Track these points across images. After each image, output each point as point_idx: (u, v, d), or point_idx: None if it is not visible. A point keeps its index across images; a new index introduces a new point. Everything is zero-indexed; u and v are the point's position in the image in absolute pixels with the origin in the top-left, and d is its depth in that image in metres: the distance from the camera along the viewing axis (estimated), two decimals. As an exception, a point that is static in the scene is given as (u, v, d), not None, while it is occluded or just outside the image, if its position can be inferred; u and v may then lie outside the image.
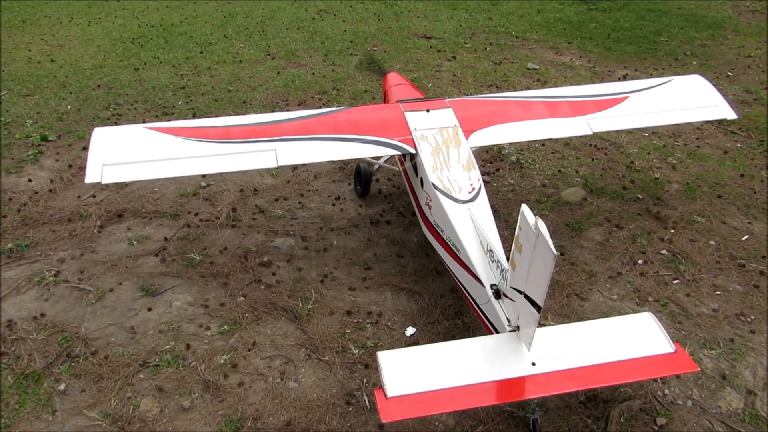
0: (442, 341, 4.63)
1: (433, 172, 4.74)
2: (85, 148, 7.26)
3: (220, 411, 4.14)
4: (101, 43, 11.13)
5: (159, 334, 4.76)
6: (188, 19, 12.44)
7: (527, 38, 11.46)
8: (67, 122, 8.13)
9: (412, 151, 4.99)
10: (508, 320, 3.76)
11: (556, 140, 7.52)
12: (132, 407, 4.15)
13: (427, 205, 4.85)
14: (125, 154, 4.71)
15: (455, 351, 3.70)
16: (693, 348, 4.61)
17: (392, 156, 5.87)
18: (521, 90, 8.16)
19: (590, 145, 7.50)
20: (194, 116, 8.25)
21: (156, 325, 4.84)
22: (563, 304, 5.01)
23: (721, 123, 7.99)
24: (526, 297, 3.44)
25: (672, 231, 5.92)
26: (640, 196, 6.49)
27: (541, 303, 3.31)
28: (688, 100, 5.75)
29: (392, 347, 4.59)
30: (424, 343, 4.46)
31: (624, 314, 4.81)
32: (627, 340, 3.77)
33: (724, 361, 4.52)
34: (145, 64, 10.20)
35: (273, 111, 8.11)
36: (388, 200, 6.42)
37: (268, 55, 10.62)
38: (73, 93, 9.00)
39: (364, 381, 4.35)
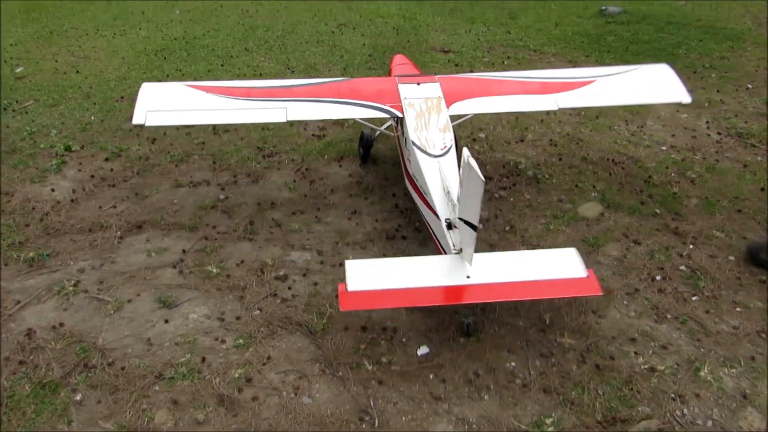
0: (456, 357, 4.64)
1: (414, 132, 5.55)
2: (108, 159, 7.52)
3: (233, 425, 4.16)
4: (125, 54, 11.32)
5: (175, 346, 4.80)
6: (210, 32, 12.61)
7: (545, 51, 11.43)
8: (91, 133, 8.27)
9: (400, 115, 5.83)
10: (454, 245, 4.57)
11: (574, 155, 7.48)
12: (147, 419, 4.19)
13: (408, 159, 5.75)
14: (167, 104, 5.83)
15: (410, 264, 4.63)
16: (713, 366, 4.55)
17: (391, 125, 6.74)
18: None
19: (607, 159, 7.45)
20: (214, 130, 8.34)
21: (172, 338, 4.89)
22: (580, 321, 4.97)
23: (740, 136, 7.91)
24: (465, 222, 4.22)
25: (691, 246, 5.85)
26: (658, 210, 6.43)
27: (476, 223, 4.11)
28: (649, 84, 6.28)
29: (406, 363, 4.60)
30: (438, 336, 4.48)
31: (641, 331, 4.85)
32: (549, 265, 4.55)
33: (744, 379, 4.45)
34: (168, 76, 10.34)
35: (292, 125, 8.17)
36: (404, 215, 6.43)
37: (288, 68, 10.72)
38: (97, 104, 9.16)
39: (378, 398, 4.34)
